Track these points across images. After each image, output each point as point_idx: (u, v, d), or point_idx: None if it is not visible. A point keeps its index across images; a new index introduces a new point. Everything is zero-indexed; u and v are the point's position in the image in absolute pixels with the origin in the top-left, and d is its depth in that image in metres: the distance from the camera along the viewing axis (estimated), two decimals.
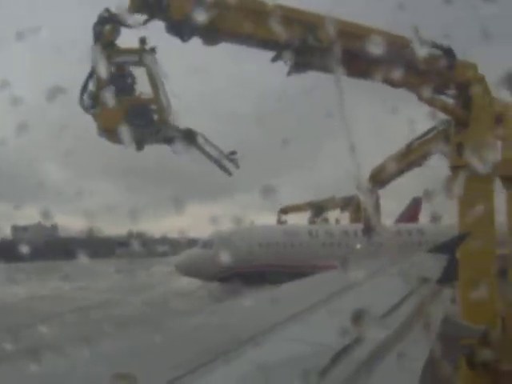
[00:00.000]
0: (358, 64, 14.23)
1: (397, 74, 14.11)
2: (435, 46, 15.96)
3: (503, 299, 18.96)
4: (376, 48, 13.88)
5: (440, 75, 15.66)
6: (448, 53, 16.12)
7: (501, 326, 17.86)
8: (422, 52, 14.90)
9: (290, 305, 5.29)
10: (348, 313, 4.65)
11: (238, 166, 15.29)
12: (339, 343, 3.79)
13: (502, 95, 17.28)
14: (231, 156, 15.22)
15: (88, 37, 13.98)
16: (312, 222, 59.44)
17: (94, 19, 14.01)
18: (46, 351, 3.19)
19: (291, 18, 14.56)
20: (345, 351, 3.67)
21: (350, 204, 53.76)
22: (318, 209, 59.79)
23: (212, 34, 14.42)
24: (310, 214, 61.37)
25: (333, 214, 60.11)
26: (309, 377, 3.00)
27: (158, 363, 3.19)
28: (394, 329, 4.69)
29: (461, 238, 13.69)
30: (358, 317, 4.11)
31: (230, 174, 15.21)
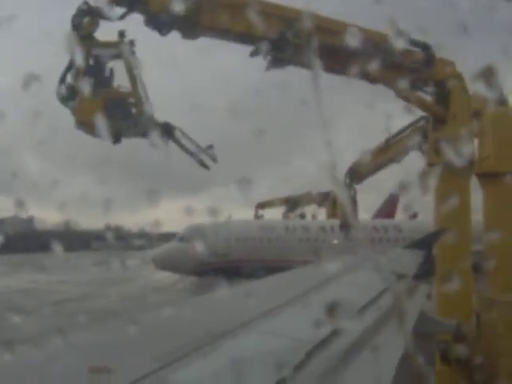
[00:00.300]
0: (336, 60, 14.23)
1: (374, 69, 14.16)
2: (414, 42, 16.02)
3: (478, 295, 19.12)
4: (354, 43, 13.93)
5: (418, 72, 15.72)
6: (426, 50, 16.19)
7: (475, 322, 18.00)
8: (399, 46, 14.98)
9: (266, 299, 5.29)
10: (324, 307, 4.67)
11: (215, 160, 15.31)
12: (315, 337, 3.80)
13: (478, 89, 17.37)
14: (208, 150, 15.23)
15: (66, 28, 13.94)
16: (286, 216, 59.63)
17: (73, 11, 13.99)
18: (21, 343, 3.18)
19: (270, 12, 14.59)
20: (320, 345, 3.69)
21: (326, 199, 53.99)
22: (294, 204, 60.02)
23: (191, 28, 14.44)
24: (284, 208, 61.69)
25: (310, 210, 60.36)
26: (283, 371, 3.01)
27: (134, 356, 3.19)
28: (370, 324, 4.71)
29: (437, 235, 13.77)
30: (332, 310, 4.12)
31: (207, 167, 15.21)
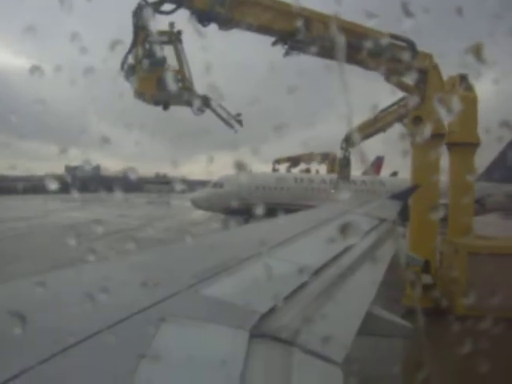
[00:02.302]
0: (339, 50, 14.18)
1: (369, 61, 14.11)
2: (401, 39, 15.98)
3: (441, 237, 19.22)
4: (355, 39, 13.79)
5: (403, 62, 15.63)
6: (411, 45, 16.25)
7: (439, 258, 18.12)
8: (387, 43, 14.92)
9: (279, 233, 5.29)
10: (325, 241, 4.67)
11: (242, 125, 15.52)
12: (319, 262, 3.82)
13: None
14: (237, 117, 15.43)
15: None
16: (288, 170, 60.29)
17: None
18: (87, 263, 3.21)
19: (286, 10, 14.64)
20: (322, 268, 3.71)
21: (326, 159, 54.30)
22: (295, 161, 60.85)
23: (226, 21, 14.51)
24: (287, 165, 62.17)
25: (312, 166, 61.01)
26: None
27: (178, 273, 3.20)
28: (360, 254, 4.71)
29: (412, 189, 13.77)
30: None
31: (236, 131, 15.41)
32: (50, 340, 1.86)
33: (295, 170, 61.43)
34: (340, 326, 2.90)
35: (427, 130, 16.49)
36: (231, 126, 15.38)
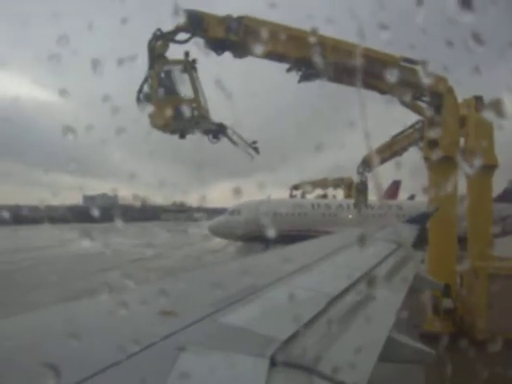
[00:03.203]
0: (352, 76, 14.23)
1: (384, 85, 14.11)
2: (415, 62, 15.95)
3: (462, 261, 19.03)
4: (369, 65, 13.86)
5: (418, 86, 15.61)
6: (425, 69, 16.18)
7: (459, 282, 17.92)
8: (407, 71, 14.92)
9: (296, 261, 5.28)
10: (343, 268, 4.66)
11: (258, 152, 15.55)
12: (337, 289, 3.81)
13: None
14: (253, 144, 15.48)
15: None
16: (303, 196, 58.76)
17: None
18: (103, 293, 3.22)
19: (304, 39, 14.67)
20: (341, 294, 3.70)
21: (341, 184, 53.95)
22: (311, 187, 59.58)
23: (240, 50, 14.62)
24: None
25: (326, 192, 59.93)
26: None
27: (194, 302, 3.20)
28: (379, 279, 4.68)
29: (431, 213, 13.69)
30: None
31: (252, 158, 15.44)
32: (70, 370, 1.86)
33: (310, 196, 60.67)
34: (360, 353, 2.88)
35: (443, 153, 16.45)
36: (248, 154, 15.43)
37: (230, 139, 15.14)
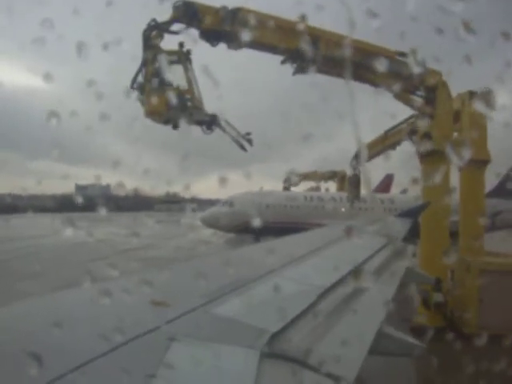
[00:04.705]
0: (347, 69, 14.24)
1: (378, 78, 14.13)
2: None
3: (453, 255, 19.08)
4: (363, 57, 13.85)
5: (412, 80, 15.64)
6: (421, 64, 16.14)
7: (450, 276, 17.99)
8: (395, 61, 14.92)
9: (287, 253, 5.29)
10: (333, 261, 4.67)
11: (252, 144, 15.54)
12: (328, 281, 3.82)
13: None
14: (247, 136, 15.46)
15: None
16: (285, 188, 58.27)
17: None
18: (94, 283, 3.21)
19: (299, 31, 14.65)
20: (332, 287, 3.71)
21: (333, 177, 53.58)
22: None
23: (234, 41, 14.60)
24: (284, 182, 59.76)
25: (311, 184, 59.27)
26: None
27: (185, 293, 3.21)
28: (370, 272, 4.70)
29: (423, 207, 13.72)
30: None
31: (245, 150, 15.43)
32: (59, 360, 1.86)
33: (297, 188, 60.02)
34: (350, 346, 2.89)
35: (436, 147, 16.47)
36: (241, 145, 15.41)
37: (224, 130, 15.13)
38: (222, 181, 4.48)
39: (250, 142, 15.58)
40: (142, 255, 32.96)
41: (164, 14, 14.32)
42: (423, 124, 18.15)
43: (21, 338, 2.07)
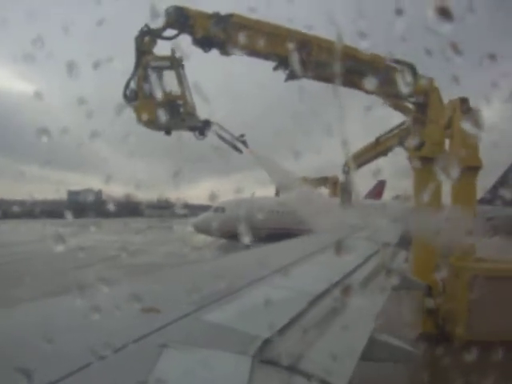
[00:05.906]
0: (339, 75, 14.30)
1: (369, 84, 14.15)
2: (401, 63, 15.96)
3: (444, 261, 19.15)
4: (355, 64, 13.90)
5: (404, 86, 15.70)
6: (412, 69, 16.17)
7: (441, 282, 18.03)
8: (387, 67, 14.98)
9: (280, 258, 5.30)
10: (326, 266, 4.68)
11: (247, 146, 15.62)
12: (320, 288, 3.83)
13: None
14: (241, 138, 15.54)
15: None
16: (277, 194, 58.11)
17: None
18: (84, 290, 3.20)
19: (291, 37, 14.71)
20: (324, 293, 3.72)
21: (324, 183, 53.46)
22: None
23: (226, 47, 14.61)
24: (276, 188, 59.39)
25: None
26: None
27: (177, 300, 3.21)
28: (361, 280, 4.70)
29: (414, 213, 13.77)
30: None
31: (240, 152, 15.51)
32: (51, 367, 1.86)
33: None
34: (342, 352, 2.89)
35: (427, 153, 16.52)
36: (236, 148, 15.48)
37: (217, 135, 15.18)
38: (213, 197, 4.51)
39: (244, 143, 15.66)
40: (131, 262, 32.77)
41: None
42: (415, 130, 18.19)
43: (10, 348, 2.07)
